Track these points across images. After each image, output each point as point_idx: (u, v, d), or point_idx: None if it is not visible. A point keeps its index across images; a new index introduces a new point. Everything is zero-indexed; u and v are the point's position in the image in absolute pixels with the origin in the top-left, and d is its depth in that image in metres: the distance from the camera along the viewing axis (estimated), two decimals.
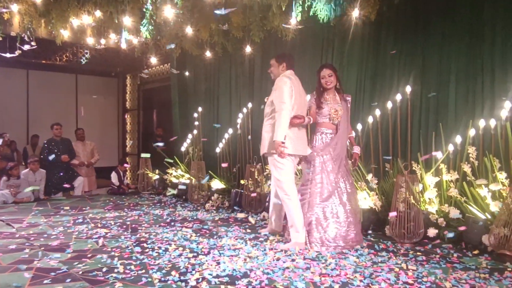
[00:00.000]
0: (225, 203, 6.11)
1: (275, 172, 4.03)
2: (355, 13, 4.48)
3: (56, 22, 5.71)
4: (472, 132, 4.12)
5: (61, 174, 7.45)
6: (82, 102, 10.47)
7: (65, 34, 6.11)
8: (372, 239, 4.23)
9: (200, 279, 2.96)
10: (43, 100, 9.75)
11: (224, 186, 6.44)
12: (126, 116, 11.17)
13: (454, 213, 3.95)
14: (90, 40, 6.50)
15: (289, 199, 3.92)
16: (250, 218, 5.15)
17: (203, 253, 3.67)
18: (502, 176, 3.75)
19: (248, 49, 6.05)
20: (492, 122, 3.99)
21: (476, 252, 3.66)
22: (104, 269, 3.20)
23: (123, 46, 5.90)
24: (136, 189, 8.08)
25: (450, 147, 4.20)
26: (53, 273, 3.12)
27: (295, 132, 4.00)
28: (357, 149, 4.23)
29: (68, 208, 6.10)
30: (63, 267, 3.27)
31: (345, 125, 4.10)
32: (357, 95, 5.31)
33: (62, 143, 7.60)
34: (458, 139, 4.19)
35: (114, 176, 7.96)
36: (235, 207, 5.83)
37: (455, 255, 3.63)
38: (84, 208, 6.08)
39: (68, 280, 2.98)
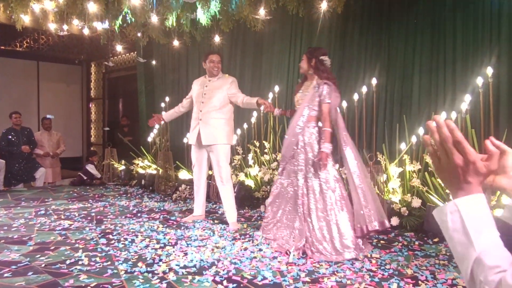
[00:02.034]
0: (193, 193, 6.07)
1: (226, 161, 4.35)
2: (323, 5, 4.52)
3: (16, 6, 5.48)
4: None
5: (22, 164, 7.20)
6: (44, 90, 10.12)
7: (26, 19, 5.87)
8: None
9: (167, 270, 2.95)
10: (2, 88, 9.35)
11: (191, 177, 6.39)
12: (90, 105, 10.89)
13: (416, 202, 4.08)
14: (52, 26, 6.27)
15: (230, 185, 4.38)
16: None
17: (170, 244, 3.65)
18: None
19: (217, 38, 6.00)
20: (453, 115, 4.12)
21: (436, 240, 3.80)
22: (68, 262, 3.14)
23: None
24: (101, 180, 7.91)
25: (413, 139, 4.32)
26: (14, 266, 3.03)
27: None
28: (324, 147, 3.45)
29: (29, 199, 5.92)
30: (25, 260, 3.18)
31: (299, 112, 3.60)
32: None
33: (22, 132, 7.30)
34: (421, 130, 4.31)
35: (92, 168, 7.64)
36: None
37: (416, 243, 3.76)
38: (46, 200, 5.91)
39: (30, 273, 2.90)
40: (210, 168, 4.74)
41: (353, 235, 3.34)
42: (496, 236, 0.76)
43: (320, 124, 3.61)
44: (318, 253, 3.30)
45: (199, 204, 4.66)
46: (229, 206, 4.34)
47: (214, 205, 5.49)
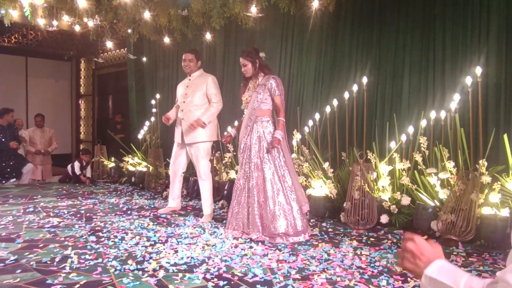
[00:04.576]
0: (183, 191, 6.06)
1: (205, 157, 4.51)
2: (315, 4, 4.53)
3: (4, 1, 5.40)
4: (423, 123, 4.28)
5: (9, 161, 7.08)
6: (33, 86, 10.01)
7: (14, 14, 5.79)
8: (327, 225, 4.34)
9: (158, 268, 2.94)
10: None
11: None
12: (80, 102, 10.80)
13: (406, 200, 4.12)
14: (41, 21, 6.19)
15: (210, 180, 4.58)
16: None
17: (160, 241, 3.64)
18: (450, 165, 3.93)
19: (208, 36, 5.98)
20: (443, 114, 4.16)
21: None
22: (57, 259, 3.11)
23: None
24: (90, 179, 7.84)
25: (403, 137, 4.36)
26: (1, 264, 3.00)
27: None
28: (276, 133, 3.75)
29: (18, 196, 5.85)
30: (13, 257, 3.15)
31: (250, 107, 3.86)
32: (316, 85, 5.40)
33: (9, 128, 7.17)
34: (411, 129, 4.34)
35: (77, 166, 7.55)
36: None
37: None
38: (35, 197, 5.85)
39: (19, 270, 2.87)
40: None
41: (301, 217, 3.75)
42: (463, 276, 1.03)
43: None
44: (277, 237, 3.65)
45: (175, 196, 4.89)
46: (205, 200, 4.55)
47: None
